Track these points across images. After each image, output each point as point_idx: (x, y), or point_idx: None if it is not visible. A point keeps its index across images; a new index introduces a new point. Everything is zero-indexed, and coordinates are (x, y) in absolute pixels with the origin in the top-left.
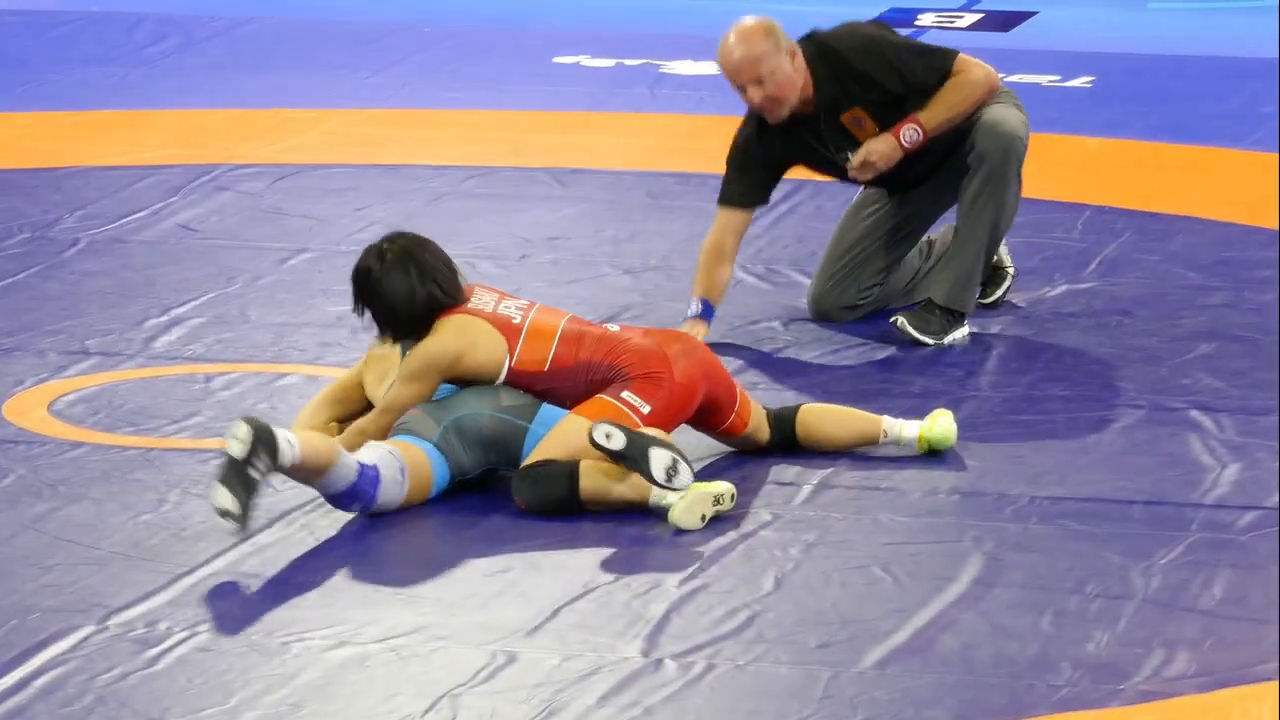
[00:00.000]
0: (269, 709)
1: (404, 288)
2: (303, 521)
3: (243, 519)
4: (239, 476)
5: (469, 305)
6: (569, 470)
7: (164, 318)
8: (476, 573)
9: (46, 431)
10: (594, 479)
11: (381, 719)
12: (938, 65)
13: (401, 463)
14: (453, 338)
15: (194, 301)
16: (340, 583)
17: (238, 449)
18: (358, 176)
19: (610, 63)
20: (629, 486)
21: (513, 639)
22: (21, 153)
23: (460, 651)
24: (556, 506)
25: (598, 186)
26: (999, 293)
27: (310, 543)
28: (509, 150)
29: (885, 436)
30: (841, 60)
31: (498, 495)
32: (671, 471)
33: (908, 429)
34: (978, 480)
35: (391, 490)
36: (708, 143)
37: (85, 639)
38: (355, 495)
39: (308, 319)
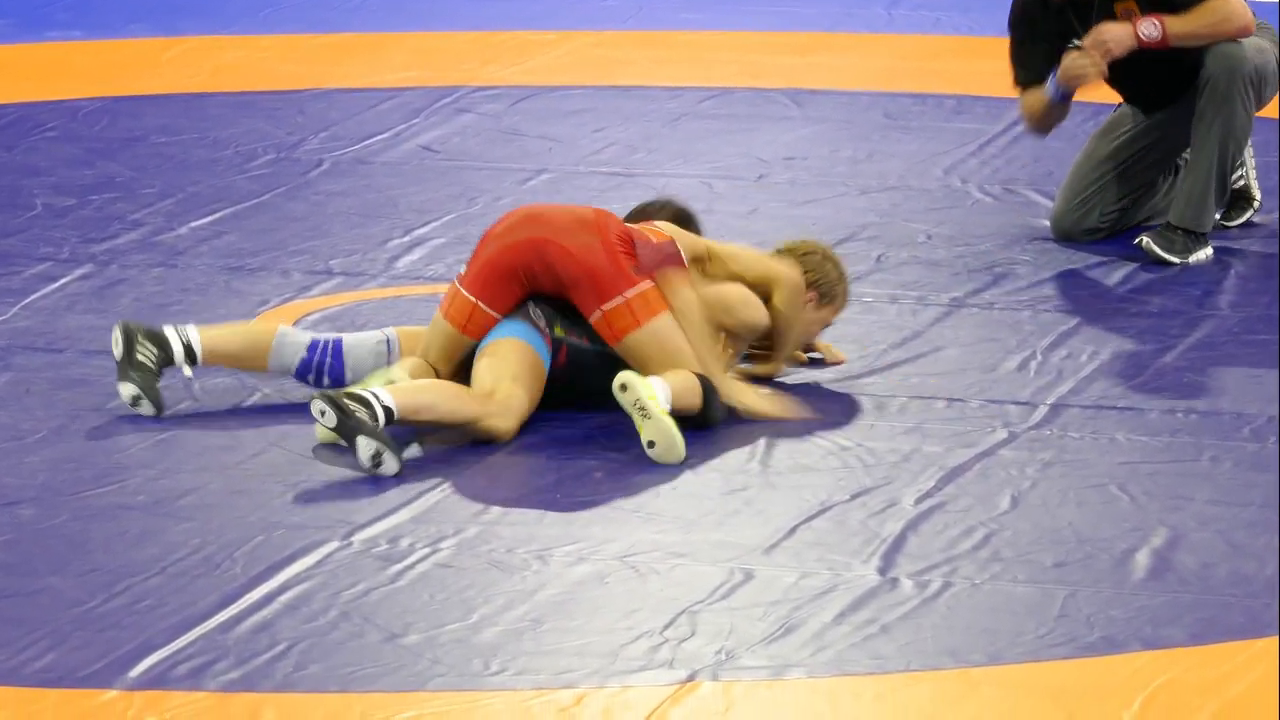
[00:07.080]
0: (510, 624)
1: None
2: (534, 441)
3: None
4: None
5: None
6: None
7: (406, 238)
8: (714, 491)
9: None
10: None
11: (621, 634)
12: None
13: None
14: None
15: (435, 222)
16: (579, 501)
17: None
18: (595, 98)
19: None
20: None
21: (750, 556)
22: (266, 75)
23: (698, 568)
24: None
25: (834, 107)
26: (1243, 218)
27: (545, 462)
28: (745, 71)
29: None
30: None
31: (729, 420)
32: (376, 460)
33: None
34: (1215, 399)
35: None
36: (944, 64)
37: (330, 555)
38: None
39: None
